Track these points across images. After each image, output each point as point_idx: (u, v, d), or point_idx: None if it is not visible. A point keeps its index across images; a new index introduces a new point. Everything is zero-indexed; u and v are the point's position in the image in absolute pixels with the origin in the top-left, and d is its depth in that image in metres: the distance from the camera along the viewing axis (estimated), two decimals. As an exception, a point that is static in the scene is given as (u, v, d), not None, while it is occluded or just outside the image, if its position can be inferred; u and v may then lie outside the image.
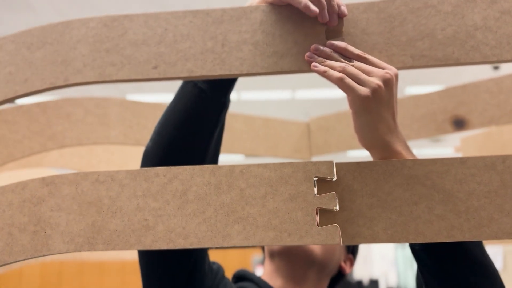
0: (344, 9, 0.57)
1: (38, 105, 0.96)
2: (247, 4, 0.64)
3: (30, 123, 0.94)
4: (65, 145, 0.96)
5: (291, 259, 0.83)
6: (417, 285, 0.68)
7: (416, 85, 5.36)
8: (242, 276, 0.86)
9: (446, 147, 7.43)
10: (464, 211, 0.50)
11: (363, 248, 7.69)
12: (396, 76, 0.55)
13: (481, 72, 4.21)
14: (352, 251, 0.95)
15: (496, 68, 4.79)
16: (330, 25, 0.57)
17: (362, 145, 0.58)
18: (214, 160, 0.72)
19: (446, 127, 1.03)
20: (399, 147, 0.56)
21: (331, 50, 0.56)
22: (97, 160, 1.26)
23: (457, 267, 0.55)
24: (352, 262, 0.94)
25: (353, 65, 0.54)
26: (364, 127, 0.56)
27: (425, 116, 1.06)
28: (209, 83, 0.65)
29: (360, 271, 7.72)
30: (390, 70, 0.55)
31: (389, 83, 0.54)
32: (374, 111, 0.54)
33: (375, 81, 0.53)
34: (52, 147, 0.94)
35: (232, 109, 1.21)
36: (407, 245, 0.65)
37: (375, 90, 0.53)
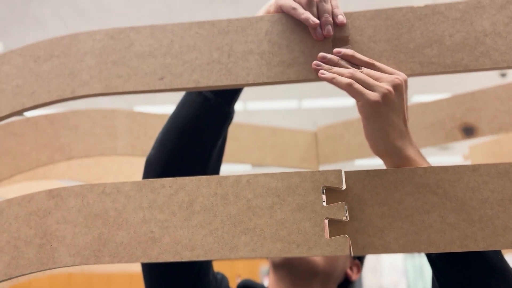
0: (342, 18, 0.56)
1: (45, 117, 0.96)
2: (257, 13, 0.64)
3: (38, 135, 0.94)
4: (73, 156, 0.96)
5: (293, 270, 0.82)
6: None
7: (422, 94, 5.33)
8: (247, 286, 0.85)
9: (454, 155, 7.36)
10: (478, 219, 0.49)
11: (372, 258, 7.60)
12: (406, 81, 0.55)
13: (488, 80, 4.18)
14: (358, 256, 0.94)
15: (503, 75, 4.76)
16: (327, 35, 0.56)
17: (373, 151, 0.57)
18: (216, 170, 0.71)
19: (455, 134, 1.02)
20: (411, 153, 0.55)
21: (338, 57, 0.55)
22: (105, 172, 1.26)
23: (474, 274, 0.54)
24: (359, 268, 0.93)
25: (361, 71, 0.54)
26: (375, 133, 0.55)
27: (434, 124, 1.05)
28: (213, 92, 0.65)
29: (369, 281, 7.63)
30: (399, 75, 0.54)
31: (399, 88, 0.53)
32: (384, 117, 0.53)
33: (385, 86, 0.52)
34: (59, 159, 0.94)
35: (239, 119, 1.20)
36: (416, 254, 0.64)
37: (385, 95, 0.52)
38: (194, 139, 0.65)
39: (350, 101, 5.24)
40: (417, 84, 4.89)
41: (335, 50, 0.56)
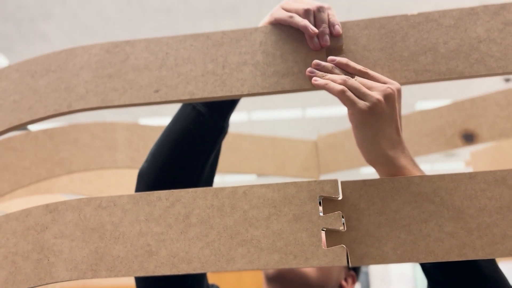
0: (338, 28, 0.57)
1: (45, 131, 0.97)
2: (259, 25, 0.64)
3: (38, 149, 0.95)
4: (73, 170, 0.96)
5: (286, 283, 0.81)
6: None
7: (426, 100, 5.32)
8: None
9: (460, 161, 7.31)
10: (476, 228, 0.49)
11: (380, 268, 7.52)
12: (399, 90, 0.54)
13: (493, 85, 4.16)
14: (353, 268, 0.92)
15: (507, 80, 4.74)
16: (324, 45, 0.57)
17: (366, 160, 0.57)
18: (209, 183, 0.71)
19: (456, 141, 1.01)
20: (404, 162, 0.54)
21: (332, 65, 0.55)
22: (107, 185, 1.26)
23: (469, 284, 0.53)
24: (354, 280, 0.91)
25: (354, 79, 0.54)
26: (366, 142, 0.55)
27: (434, 131, 1.05)
28: (208, 107, 0.65)
29: (378, 291, 7.54)
30: (392, 84, 0.54)
31: (390, 98, 0.53)
32: (374, 126, 0.53)
33: (376, 95, 0.52)
34: (59, 173, 0.94)
35: (242, 129, 1.21)
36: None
37: (374, 105, 0.52)
38: (186, 153, 0.65)
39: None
40: (420, 91, 4.88)
41: (330, 58, 0.56)
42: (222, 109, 0.66)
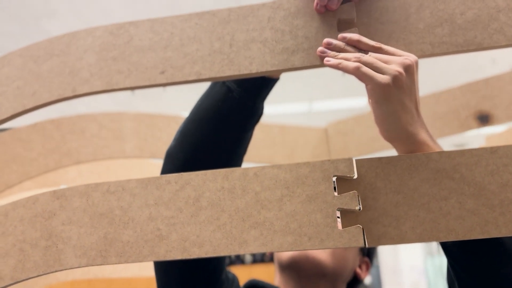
0: (333, 3, 0.54)
1: (52, 122, 0.96)
2: None
3: (45, 140, 0.94)
4: (80, 161, 0.95)
5: (300, 272, 0.78)
6: (448, 282, 0.64)
7: (435, 89, 5.25)
8: (254, 286, 0.82)
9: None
10: (498, 204, 0.47)
11: (391, 259, 7.49)
12: (416, 62, 0.52)
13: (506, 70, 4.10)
14: (367, 253, 0.91)
15: (517, 67, 4.66)
16: (329, 7, 0.54)
17: (384, 137, 0.54)
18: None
19: (470, 123, 0.99)
20: (424, 137, 0.52)
21: (344, 43, 0.53)
22: (115, 177, 1.25)
23: (491, 262, 0.52)
24: (368, 266, 0.89)
25: (369, 56, 0.52)
26: (386, 118, 0.52)
27: (448, 113, 1.02)
28: (238, 84, 0.62)
29: (389, 282, 7.52)
30: (409, 56, 0.52)
31: (410, 69, 0.51)
32: (395, 100, 0.51)
33: (395, 67, 0.50)
34: (67, 163, 0.94)
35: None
36: (436, 254, 0.61)
37: (395, 77, 0.50)
38: (215, 131, 0.62)
39: (363, 103, 5.19)
40: (428, 80, 4.82)
41: (340, 35, 0.54)
42: (253, 87, 0.63)
